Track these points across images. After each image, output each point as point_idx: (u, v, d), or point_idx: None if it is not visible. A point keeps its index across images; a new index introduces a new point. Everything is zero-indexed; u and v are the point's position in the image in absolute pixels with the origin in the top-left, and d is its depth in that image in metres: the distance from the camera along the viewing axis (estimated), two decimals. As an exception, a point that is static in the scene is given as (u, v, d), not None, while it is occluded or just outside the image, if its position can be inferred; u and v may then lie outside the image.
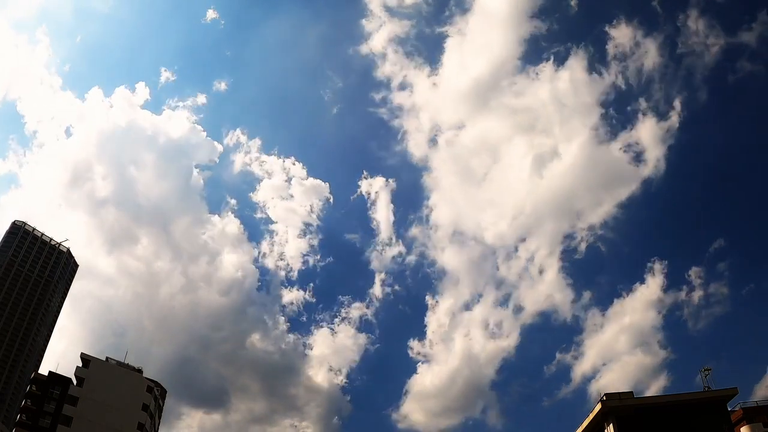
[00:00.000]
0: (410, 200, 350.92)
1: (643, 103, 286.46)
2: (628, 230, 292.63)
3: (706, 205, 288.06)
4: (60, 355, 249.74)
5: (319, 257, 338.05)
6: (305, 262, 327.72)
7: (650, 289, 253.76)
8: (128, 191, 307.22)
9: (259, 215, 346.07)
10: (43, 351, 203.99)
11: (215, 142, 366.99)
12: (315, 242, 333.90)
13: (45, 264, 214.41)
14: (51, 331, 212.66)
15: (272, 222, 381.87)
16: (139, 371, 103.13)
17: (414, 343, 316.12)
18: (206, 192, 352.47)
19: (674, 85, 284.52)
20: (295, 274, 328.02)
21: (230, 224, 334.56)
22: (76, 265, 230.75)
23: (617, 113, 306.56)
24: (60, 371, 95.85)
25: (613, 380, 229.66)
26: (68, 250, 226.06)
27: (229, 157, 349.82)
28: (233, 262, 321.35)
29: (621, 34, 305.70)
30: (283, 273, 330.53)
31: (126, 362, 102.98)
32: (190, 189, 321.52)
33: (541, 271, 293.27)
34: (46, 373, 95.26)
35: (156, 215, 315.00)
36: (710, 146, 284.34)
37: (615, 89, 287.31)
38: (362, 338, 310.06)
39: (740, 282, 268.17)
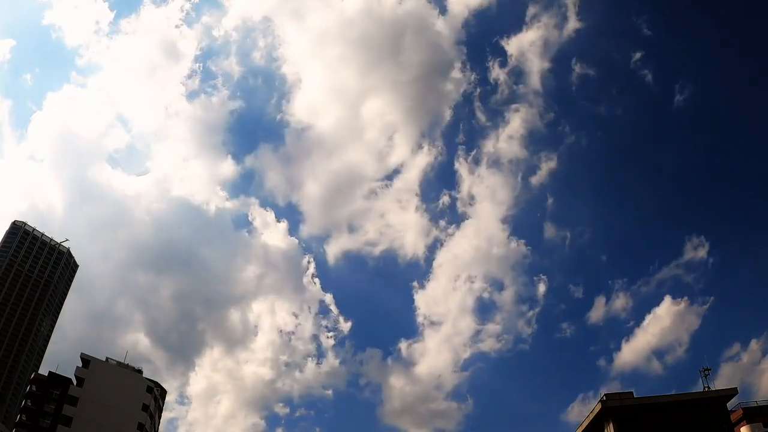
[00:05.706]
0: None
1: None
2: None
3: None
4: (60, 356, 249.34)
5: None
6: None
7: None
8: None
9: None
10: (43, 351, 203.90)
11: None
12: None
13: (45, 264, 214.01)
14: (51, 332, 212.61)
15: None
16: (139, 371, 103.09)
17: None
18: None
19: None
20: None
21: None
22: (76, 265, 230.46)
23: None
24: (60, 372, 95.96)
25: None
26: (68, 250, 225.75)
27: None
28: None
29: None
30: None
31: (126, 362, 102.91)
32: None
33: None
34: (46, 374, 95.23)
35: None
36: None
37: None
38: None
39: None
